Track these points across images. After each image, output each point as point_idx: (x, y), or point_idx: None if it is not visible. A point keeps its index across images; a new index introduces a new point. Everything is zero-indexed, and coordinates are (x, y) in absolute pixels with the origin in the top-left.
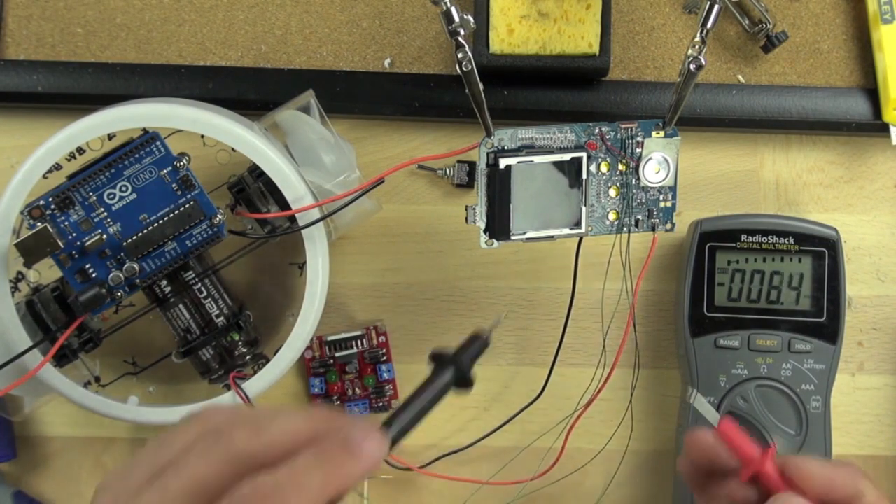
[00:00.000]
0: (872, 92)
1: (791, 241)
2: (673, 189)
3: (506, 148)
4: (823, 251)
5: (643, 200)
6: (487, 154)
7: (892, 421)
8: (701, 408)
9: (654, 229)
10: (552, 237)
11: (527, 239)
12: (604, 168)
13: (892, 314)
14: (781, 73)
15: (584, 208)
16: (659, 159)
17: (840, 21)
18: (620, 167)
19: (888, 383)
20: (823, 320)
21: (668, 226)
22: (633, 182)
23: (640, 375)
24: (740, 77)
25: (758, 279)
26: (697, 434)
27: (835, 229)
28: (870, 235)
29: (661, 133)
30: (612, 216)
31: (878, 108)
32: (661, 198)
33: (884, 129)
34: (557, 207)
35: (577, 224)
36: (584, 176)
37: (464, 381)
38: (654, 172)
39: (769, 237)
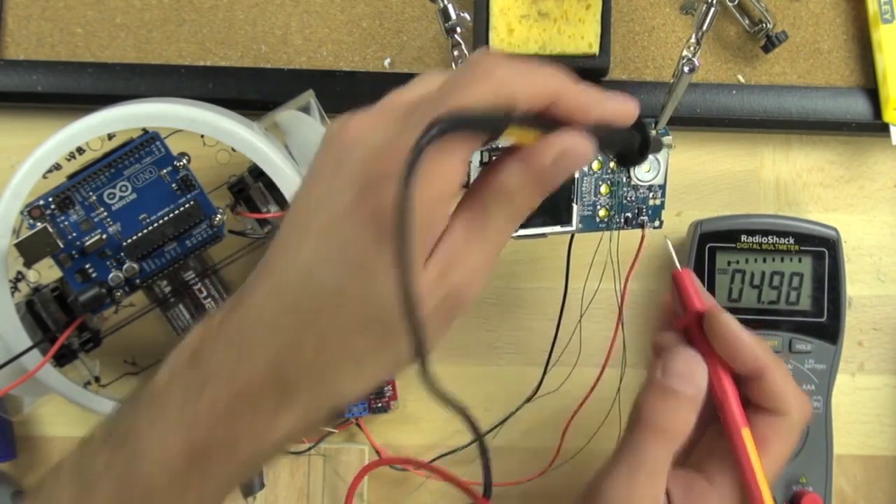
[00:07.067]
0: (872, 92)
1: (791, 241)
2: (662, 188)
3: (499, 146)
4: (823, 251)
5: (633, 199)
6: (482, 152)
7: (893, 421)
8: (671, 252)
9: (642, 227)
10: (543, 234)
11: (517, 237)
12: (595, 166)
13: (893, 314)
14: (781, 73)
15: (574, 206)
16: (650, 158)
17: (840, 21)
18: (612, 165)
19: (889, 383)
20: (824, 320)
21: (657, 223)
22: (624, 180)
23: (641, 375)
24: (740, 77)
25: (758, 279)
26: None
27: (835, 229)
28: (870, 235)
29: (653, 133)
30: (601, 213)
31: (878, 108)
32: (650, 196)
33: (884, 129)
34: (548, 205)
35: (568, 221)
36: (576, 174)
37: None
38: (644, 171)
39: (769, 237)
